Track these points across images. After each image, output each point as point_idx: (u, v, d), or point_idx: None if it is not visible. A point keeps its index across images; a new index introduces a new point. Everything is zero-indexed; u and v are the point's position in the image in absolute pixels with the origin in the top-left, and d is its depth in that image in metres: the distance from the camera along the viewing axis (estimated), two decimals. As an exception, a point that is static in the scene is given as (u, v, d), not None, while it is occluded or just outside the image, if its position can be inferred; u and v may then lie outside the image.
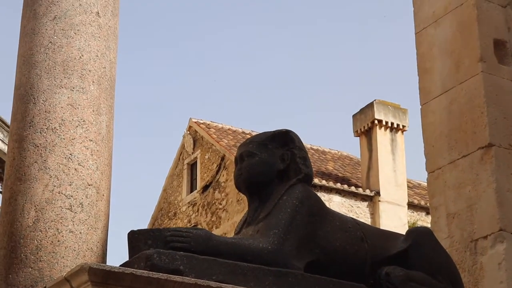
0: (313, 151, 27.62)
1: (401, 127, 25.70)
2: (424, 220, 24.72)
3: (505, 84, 6.18)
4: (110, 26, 5.64)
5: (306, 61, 58.49)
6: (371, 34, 60.10)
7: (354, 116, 26.17)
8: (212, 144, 26.40)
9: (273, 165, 4.65)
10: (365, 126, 25.63)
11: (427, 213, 23.86)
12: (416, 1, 6.82)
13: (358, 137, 26.00)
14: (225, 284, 3.99)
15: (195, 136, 27.57)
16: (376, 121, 25.31)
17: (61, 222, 5.05)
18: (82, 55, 5.43)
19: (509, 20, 6.42)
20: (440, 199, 6.23)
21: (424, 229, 4.95)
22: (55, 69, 5.36)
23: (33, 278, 4.92)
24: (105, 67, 5.52)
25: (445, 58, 6.44)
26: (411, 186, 27.00)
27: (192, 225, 26.09)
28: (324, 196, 23.31)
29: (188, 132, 27.84)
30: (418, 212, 25.71)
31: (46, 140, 5.21)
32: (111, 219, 5.41)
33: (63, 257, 4.98)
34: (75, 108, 5.31)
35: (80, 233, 5.08)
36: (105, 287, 3.77)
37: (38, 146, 5.20)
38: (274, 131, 4.77)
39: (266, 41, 59.16)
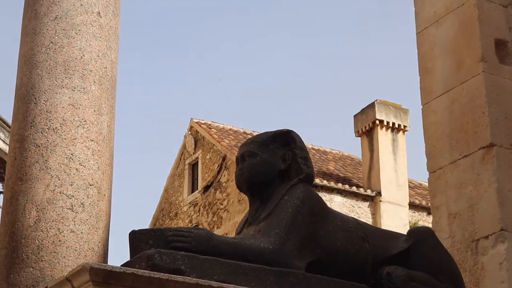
0: (314, 151, 27.62)
1: (402, 127, 25.70)
2: (425, 220, 24.71)
3: (506, 84, 6.17)
4: (111, 26, 5.65)
5: (307, 61, 58.53)
6: (372, 34, 60.12)
7: (355, 116, 26.17)
8: (213, 144, 26.41)
9: (274, 165, 4.65)
10: (366, 126, 25.63)
11: (428, 213, 23.86)
12: (418, 1, 6.82)
13: (360, 137, 26.00)
14: (226, 284, 3.99)
15: (196, 136, 27.57)
16: (377, 121, 25.31)
17: (62, 222, 5.05)
18: (83, 55, 5.43)
19: (511, 20, 6.42)
20: (441, 199, 6.22)
21: (425, 229, 4.95)
22: (56, 69, 5.36)
23: (35, 278, 4.92)
24: (106, 67, 5.52)
25: (446, 58, 6.43)
26: (412, 186, 27.00)
27: (193, 225, 26.09)
28: (325, 196, 23.31)
29: (189, 132, 27.84)
30: (419, 212, 25.71)
31: (47, 140, 5.21)
32: (112, 219, 5.42)
33: (64, 257, 4.98)
34: (76, 108, 5.31)
35: (82, 233, 5.08)
36: (106, 287, 3.77)
37: (39, 146, 5.20)
38: (275, 131, 4.77)
39: (267, 41, 59.19)
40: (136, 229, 4.22)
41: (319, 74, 58.57)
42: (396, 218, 24.39)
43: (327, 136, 58.36)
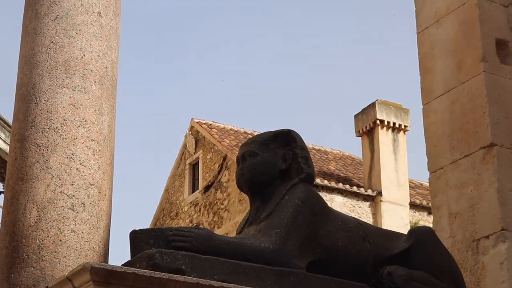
0: (315, 151, 27.62)
1: (403, 127, 25.70)
2: (426, 220, 24.71)
3: (507, 84, 6.17)
4: (111, 26, 5.65)
5: (308, 60, 58.52)
6: (373, 34, 60.12)
7: (356, 116, 26.17)
8: (214, 144, 26.41)
9: (275, 164, 4.65)
10: (367, 126, 25.63)
11: (429, 213, 23.86)
12: (418, 1, 6.81)
13: (360, 137, 26.00)
14: (227, 284, 3.99)
15: (197, 136, 27.58)
16: (378, 121, 25.32)
17: (63, 222, 5.05)
18: (84, 55, 5.43)
19: (511, 20, 6.42)
20: (442, 199, 6.22)
21: (426, 229, 4.95)
22: (57, 69, 5.36)
23: (35, 278, 4.92)
24: (106, 67, 5.52)
25: (447, 58, 6.43)
26: (413, 186, 27.00)
27: (194, 225, 26.08)
28: (326, 196, 23.31)
29: (190, 132, 27.85)
30: (420, 212, 25.71)
31: (48, 140, 5.21)
32: (113, 219, 5.42)
33: (65, 256, 4.98)
34: (77, 108, 5.31)
35: (82, 232, 5.08)
36: (107, 286, 3.77)
37: (40, 146, 5.20)
38: (276, 131, 4.77)
39: (268, 41, 59.18)
40: (137, 228, 4.22)
41: (320, 74, 58.58)
42: (397, 218, 24.39)
43: (328, 136, 58.38)
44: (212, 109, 57.94)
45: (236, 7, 58.76)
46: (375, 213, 24.71)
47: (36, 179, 5.13)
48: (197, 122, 27.66)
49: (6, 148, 16.29)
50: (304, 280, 4.25)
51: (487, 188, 5.89)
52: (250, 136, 23.30)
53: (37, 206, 5.07)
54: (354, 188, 24.75)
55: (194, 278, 3.92)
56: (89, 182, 5.21)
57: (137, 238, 4.18)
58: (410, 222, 24.55)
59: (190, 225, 26.28)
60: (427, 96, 6.56)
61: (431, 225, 6.09)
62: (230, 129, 27.55)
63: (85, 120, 5.31)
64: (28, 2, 5.65)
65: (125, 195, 48.10)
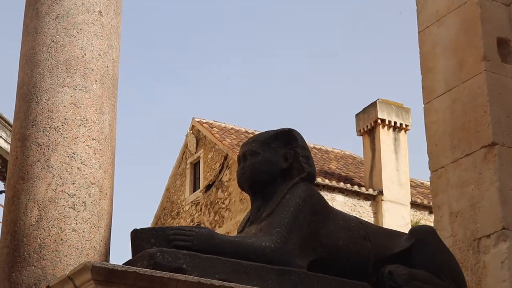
0: (316, 151, 27.62)
1: (404, 126, 25.71)
2: (427, 219, 24.71)
3: (509, 83, 6.17)
4: (112, 25, 5.65)
5: (308, 60, 58.52)
6: (374, 33, 60.10)
7: (357, 115, 26.17)
8: (215, 144, 26.41)
9: (276, 164, 4.65)
10: (368, 125, 25.63)
11: (430, 212, 23.86)
12: (419, 0, 6.81)
13: (361, 137, 26.00)
14: (228, 283, 3.99)
15: (198, 136, 27.58)
16: (379, 121, 25.32)
17: (64, 221, 5.05)
18: (85, 54, 5.43)
19: (513, 18, 6.41)
20: (443, 198, 6.22)
21: (427, 228, 4.95)
22: (58, 68, 5.36)
23: (36, 277, 4.92)
24: (107, 66, 5.52)
25: (448, 57, 6.43)
26: (414, 185, 27.00)
27: (195, 224, 26.09)
28: (327, 196, 23.31)
29: (191, 131, 27.85)
30: (421, 211, 25.71)
31: (49, 139, 5.21)
32: (114, 218, 5.42)
33: (66, 255, 4.98)
34: (78, 107, 5.31)
35: (83, 231, 5.08)
36: (108, 285, 3.77)
37: (41, 145, 5.20)
38: (277, 130, 4.77)
39: (268, 40, 59.18)
40: (138, 228, 4.22)
41: (321, 73, 58.58)
42: (398, 217, 24.40)
43: (329, 135, 58.38)
44: (213, 108, 57.95)
45: (237, 6, 58.77)
46: (376, 212, 24.71)
47: (37, 178, 5.13)
48: (198, 121, 27.66)
49: (7, 147, 16.30)
50: (305, 279, 4.25)
51: (488, 187, 5.89)
52: (251, 135, 23.29)
53: (38, 205, 5.07)
54: (355, 188, 24.76)
55: (195, 277, 3.92)
56: (90, 181, 5.21)
57: (138, 237, 4.18)
58: (411, 221, 24.55)
59: (191, 224, 26.28)
60: (428, 95, 6.55)
61: (432, 224, 6.09)
62: (231, 128, 27.55)
63: (86, 119, 5.31)
64: (28, 1, 5.65)
65: (126, 194, 48.13)
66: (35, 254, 4.97)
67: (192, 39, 59.67)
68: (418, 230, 4.84)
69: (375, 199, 24.81)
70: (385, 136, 25.32)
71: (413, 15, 6.83)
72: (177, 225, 26.21)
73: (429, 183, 6.57)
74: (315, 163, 4.82)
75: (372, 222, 21.13)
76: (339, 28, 59.50)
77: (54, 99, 5.30)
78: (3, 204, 5.56)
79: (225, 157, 25.76)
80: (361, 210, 24.49)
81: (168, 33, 60.39)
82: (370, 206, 24.81)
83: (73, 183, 5.14)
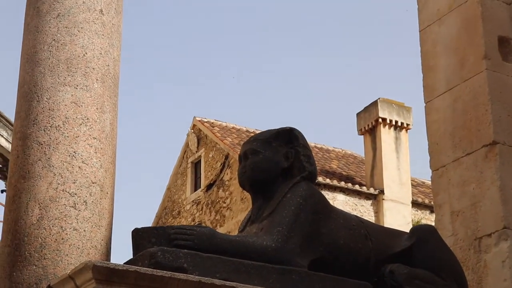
0: (317, 150, 27.62)
1: (405, 125, 25.70)
2: (428, 219, 24.70)
3: (510, 82, 6.16)
4: (113, 24, 5.64)
5: (309, 59, 58.50)
6: (375, 32, 60.08)
7: (358, 114, 26.17)
8: (216, 143, 26.41)
9: (277, 163, 4.65)
10: (369, 124, 25.63)
11: (431, 212, 23.85)
12: (421, -1, 6.81)
13: (362, 136, 26.00)
14: (229, 282, 3.99)
15: (199, 135, 27.58)
16: (380, 120, 25.32)
17: (65, 220, 5.05)
18: (86, 53, 5.43)
19: (514, 17, 6.40)
20: (444, 197, 6.22)
21: (428, 227, 4.94)
22: (59, 67, 5.36)
23: (37, 276, 4.92)
24: (108, 65, 5.52)
25: (449, 56, 6.42)
26: (415, 185, 26.99)
27: (196, 223, 26.09)
28: (328, 195, 23.31)
29: (192, 130, 27.85)
30: (422, 211, 25.70)
31: (50, 138, 5.21)
32: (115, 217, 5.42)
33: (67, 255, 4.98)
34: (79, 106, 5.31)
35: (84, 231, 5.08)
36: (109, 284, 3.77)
37: (42, 144, 5.20)
38: (278, 129, 4.77)
39: (269, 39, 59.17)
40: (139, 227, 4.22)
41: (322, 72, 58.56)
42: (399, 216, 24.39)
43: (330, 134, 58.37)
44: (214, 107, 57.96)
45: (238, 5, 58.75)
46: (377, 211, 24.71)
47: (38, 177, 5.13)
48: (199, 121, 27.66)
49: (8, 146, 16.31)
50: (306, 278, 4.24)
51: (490, 186, 5.88)
52: (252, 134, 23.26)
53: (39, 204, 5.07)
54: (356, 187, 24.75)
55: (196, 277, 3.92)
56: (91, 180, 5.21)
57: (139, 236, 4.18)
58: (412, 220, 24.55)
59: (192, 223, 26.28)
60: (429, 94, 6.55)
61: (433, 224, 6.09)
62: (232, 128, 27.55)
63: (87, 118, 5.30)
64: (29, 0, 5.65)
65: (127, 193, 48.14)
66: (36, 253, 4.97)
67: (192, 39, 59.67)
68: (419, 229, 4.84)
69: (376, 198, 24.80)
70: (386, 135, 25.32)
71: (414, 14, 6.83)
72: (178, 224, 26.21)
73: (430, 182, 6.57)
74: (316, 162, 4.82)
75: (373, 222, 21.14)
76: (339, 27, 59.49)
77: (55, 98, 5.29)
78: (4, 203, 5.56)
79: (226, 156, 25.76)
80: (362, 209, 24.48)
81: (169, 32, 60.40)
82: (371, 205, 24.81)
83: (74, 182, 5.14)
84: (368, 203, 24.81)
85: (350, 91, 58.57)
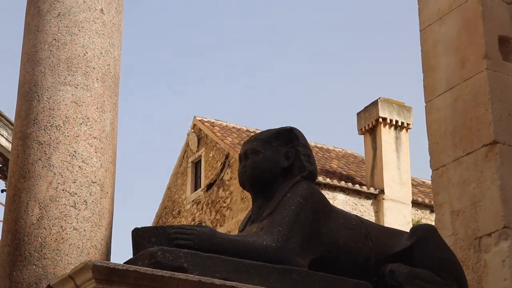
0: (317, 149, 27.62)
1: (405, 125, 25.70)
2: (428, 218, 24.70)
3: (510, 81, 6.16)
4: (114, 23, 5.64)
5: (310, 59, 58.49)
6: (375, 31, 60.07)
7: (358, 114, 26.17)
8: (217, 142, 26.41)
9: (278, 162, 4.64)
10: (370, 124, 25.63)
11: (431, 211, 23.85)
12: (421, -2, 6.80)
13: (363, 135, 26.00)
14: (229, 282, 3.99)
15: (200, 134, 27.58)
16: (380, 119, 25.32)
17: (65, 220, 5.05)
18: (86, 52, 5.42)
19: (514, 17, 6.40)
20: (444, 197, 6.22)
21: (428, 227, 4.94)
22: (59, 66, 5.36)
23: (37, 276, 4.92)
24: (109, 64, 5.52)
25: (449, 55, 6.42)
26: (415, 184, 26.99)
27: (197, 223, 26.09)
28: (328, 194, 23.31)
29: (193, 130, 27.85)
30: (422, 210, 25.70)
31: (50, 138, 5.21)
32: (115, 217, 5.42)
33: (67, 254, 4.98)
34: (79, 106, 5.31)
35: (84, 230, 5.08)
36: (109, 284, 3.77)
37: (42, 144, 5.20)
38: (278, 129, 4.76)
39: (269, 39, 59.17)
40: (139, 226, 4.22)
41: (322, 72, 58.56)
42: (399, 216, 24.39)
43: (330, 134, 58.37)
44: (215, 107, 57.95)
45: (239, 5, 58.76)
46: (378, 211, 24.70)
47: (38, 177, 5.13)
48: (199, 120, 27.66)
49: (8, 146, 16.31)
50: (306, 278, 4.24)
51: (490, 185, 5.88)
52: (253, 134, 23.26)
53: (39, 203, 5.07)
54: (357, 186, 24.75)
55: (196, 276, 3.92)
56: (91, 180, 5.20)
57: (139, 236, 4.18)
58: (412, 220, 24.55)
59: (192, 223, 26.28)
60: (429, 93, 6.55)
61: (433, 223, 6.09)
62: (233, 127, 27.54)
63: (88, 118, 5.30)
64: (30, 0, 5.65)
65: (128, 193, 48.14)
66: (36, 253, 4.97)
67: (192, 39, 59.66)
68: (419, 229, 4.84)
69: (376, 198, 24.80)
70: (386, 134, 25.32)
71: (415, 14, 6.83)
72: (178, 224, 26.22)
73: (430, 181, 6.57)
74: (316, 162, 4.81)
75: (373, 221, 21.13)
76: (340, 27, 59.48)
77: (55, 97, 5.29)
78: (4, 202, 5.55)
79: (227, 156, 25.76)
80: (362, 209, 24.48)
81: (170, 32, 60.39)
82: (371, 205, 24.80)
83: (74, 182, 5.14)
84: (368, 203, 24.81)
85: (350, 91, 58.58)
